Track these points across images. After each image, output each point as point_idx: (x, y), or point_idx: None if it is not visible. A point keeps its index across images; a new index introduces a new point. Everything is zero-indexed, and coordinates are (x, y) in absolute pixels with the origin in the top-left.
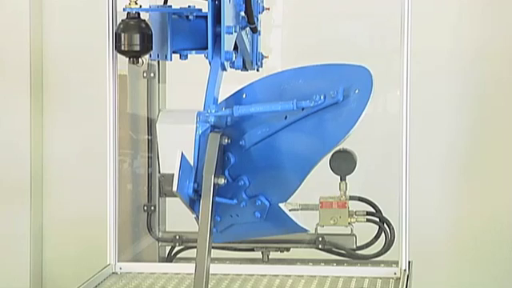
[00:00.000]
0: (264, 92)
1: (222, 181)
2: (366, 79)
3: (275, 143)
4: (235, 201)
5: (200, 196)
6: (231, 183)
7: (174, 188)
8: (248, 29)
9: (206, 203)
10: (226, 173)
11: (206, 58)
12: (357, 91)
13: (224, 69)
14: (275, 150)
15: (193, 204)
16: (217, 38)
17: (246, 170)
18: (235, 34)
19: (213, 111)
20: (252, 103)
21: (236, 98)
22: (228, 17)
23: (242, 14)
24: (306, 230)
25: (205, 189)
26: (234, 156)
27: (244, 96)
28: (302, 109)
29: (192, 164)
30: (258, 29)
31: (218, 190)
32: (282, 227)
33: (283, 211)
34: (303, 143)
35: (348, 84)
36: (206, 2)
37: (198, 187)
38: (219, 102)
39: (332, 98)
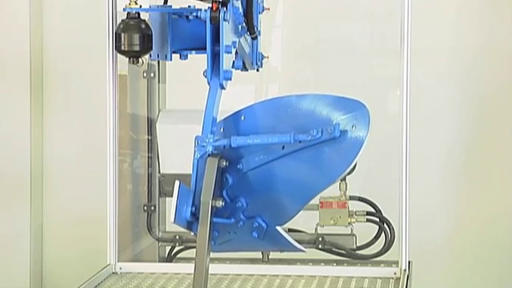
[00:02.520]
0: (262, 116)
1: (219, 203)
2: (364, 115)
3: (272, 170)
4: (233, 220)
5: (198, 218)
6: (229, 203)
7: (172, 219)
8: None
9: (204, 229)
10: (224, 193)
11: (205, 76)
12: (354, 128)
13: (223, 88)
14: (272, 176)
15: (191, 225)
16: (215, 56)
17: (244, 192)
18: (234, 50)
19: (211, 140)
20: (250, 126)
21: (234, 120)
22: (227, 37)
23: (243, 24)
24: (303, 251)
25: (203, 215)
26: (232, 177)
27: (242, 118)
28: (300, 141)
29: (190, 186)
30: (258, 29)
31: (216, 210)
32: (279, 246)
33: (280, 233)
34: (300, 173)
35: (346, 119)
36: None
37: (195, 210)
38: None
39: (329, 134)
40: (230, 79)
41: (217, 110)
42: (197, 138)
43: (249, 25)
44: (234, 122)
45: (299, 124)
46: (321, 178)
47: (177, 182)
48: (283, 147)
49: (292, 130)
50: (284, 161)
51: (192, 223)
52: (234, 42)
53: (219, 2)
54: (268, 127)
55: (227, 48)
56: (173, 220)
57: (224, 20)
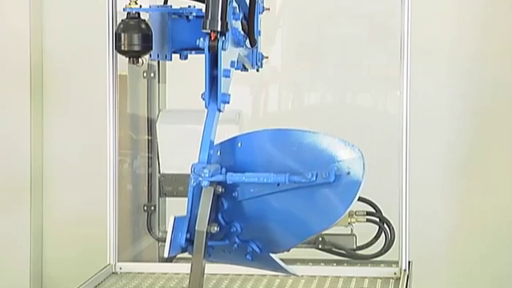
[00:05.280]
0: (259, 146)
1: (214, 229)
2: (359, 162)
3: (266, 202)
4: (227, 241)
5: (192, 243)
6: (224, 226)
7: (166, 254)
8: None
9: (198, 258)
10: (220, 216)
11: (203, 99)
12: (349, 174)
13: (220, 111)
14: (266, 207)
15: (186, 249)
16: (214, 80)
17: (238, 219)
18: (233, 70)
19: (206, 175)
20: (246, 154)
21: (231, 145)
22: (225, 62)
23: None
24: (296, 275)
25: (197, 244)
26: (228, 203)
27: (239, 145)
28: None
29: (186, 212)
30: (258, 29)
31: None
32: (273, 269)
33: (274, 259)
34: (294, 209)
35: (341, 164)
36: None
37: (190, 236)
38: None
39: (323, 178)
40: (228, 102)
41: (214, 133)
42: (193, 165)
43: (250, 38)
44: (230, 147)
45: (295, 160)
46: (315, 219)
47: (171, 217)
48: (278, 184)
49: (287, 166)
50: (278, 195)
51: (187, 247)
52: (232, 62)
53: (217, 32)
54: (263, 157)
55: (225, 72)
56: (166, 255)
57: (222, 49)
